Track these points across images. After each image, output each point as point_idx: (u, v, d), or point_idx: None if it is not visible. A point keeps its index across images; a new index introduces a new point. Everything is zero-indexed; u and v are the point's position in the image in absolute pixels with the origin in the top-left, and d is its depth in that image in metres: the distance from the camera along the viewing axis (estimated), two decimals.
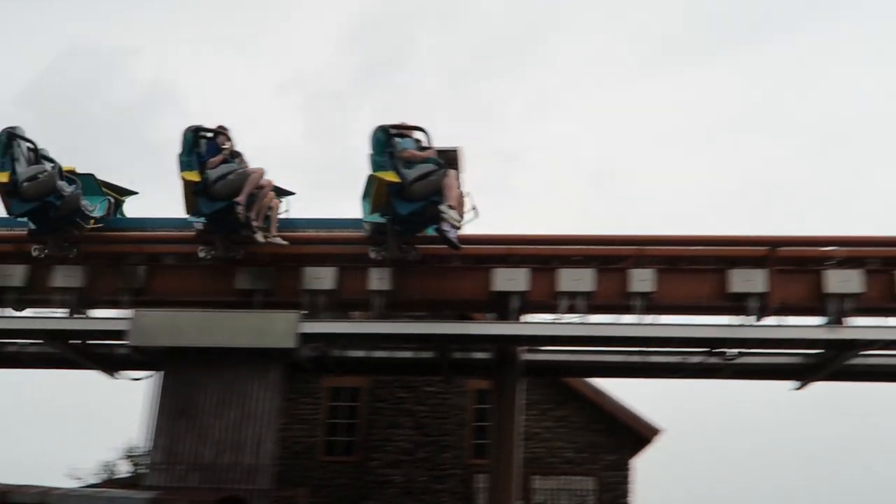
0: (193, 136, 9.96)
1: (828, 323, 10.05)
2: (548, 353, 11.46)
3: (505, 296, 10.23)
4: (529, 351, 11.21)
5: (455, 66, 52.24)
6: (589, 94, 52.85)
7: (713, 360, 10.89)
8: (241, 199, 9.79)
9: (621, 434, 15.26)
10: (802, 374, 11.19)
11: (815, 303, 10.10)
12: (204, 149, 10.02)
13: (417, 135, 10.02)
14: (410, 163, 9.67)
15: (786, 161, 48.13)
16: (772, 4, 49.20)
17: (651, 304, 10.21)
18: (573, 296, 10.13)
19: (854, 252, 10.21)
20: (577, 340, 10.67)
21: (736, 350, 10.73)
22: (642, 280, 10.09)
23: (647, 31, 49.74)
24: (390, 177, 9.49)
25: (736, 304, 10.14)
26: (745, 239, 10.35)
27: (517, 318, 10.35)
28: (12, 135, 10.22)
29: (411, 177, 9.51)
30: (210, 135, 10.10)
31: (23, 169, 10.15)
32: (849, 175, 48.96)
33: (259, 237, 10.13)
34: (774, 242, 10.19)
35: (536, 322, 10.49)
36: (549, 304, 10.29)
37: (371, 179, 9.86)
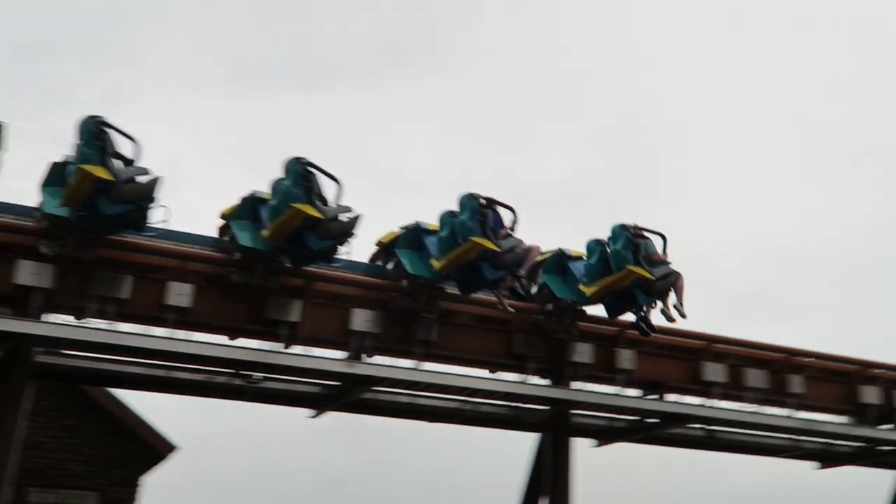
0: (474, 203, 10.64)
1: (348, 358, 10.82)
2: (67, 358, 10.74)
3: (27, 291, 9.47)
4: (46, 353, 10.43)
5: (19, 39, 47.41)
6: (165, 99, 51.23)
7: (238, 381, 11.11)
8: (523, 272, 11.45)
9: (134, 449, 14.72)
10: (319, 403, 11.86)
11: (342, 338, 10.84)
12: (491, 220, 10.69)
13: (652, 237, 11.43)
14: (654, 263, 11.21)
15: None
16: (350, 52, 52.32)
17: (185, 320, 10.16)
18: (104, 300, 9.71)
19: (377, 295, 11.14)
20: (103, 348, 10.18)
21: (262, 374, 11.06)
22: (179, 294, 10.01)
23: (235, 51, 49.88)
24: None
25: (270, 329, 10.50)
26: (282, 270, 10.68)
27: (37, 317, 9.61)
28: (309, 164, 10.03)
29: (657, 275, 11.03)
30: (484, 202, 10.69)
31: (323, 204, 10.05)
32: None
33: (507, 308, 11.31)
34: (311, 276, 10.76)
35: (57, 323, 9.80)
36: (78, 306, 9.77)
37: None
